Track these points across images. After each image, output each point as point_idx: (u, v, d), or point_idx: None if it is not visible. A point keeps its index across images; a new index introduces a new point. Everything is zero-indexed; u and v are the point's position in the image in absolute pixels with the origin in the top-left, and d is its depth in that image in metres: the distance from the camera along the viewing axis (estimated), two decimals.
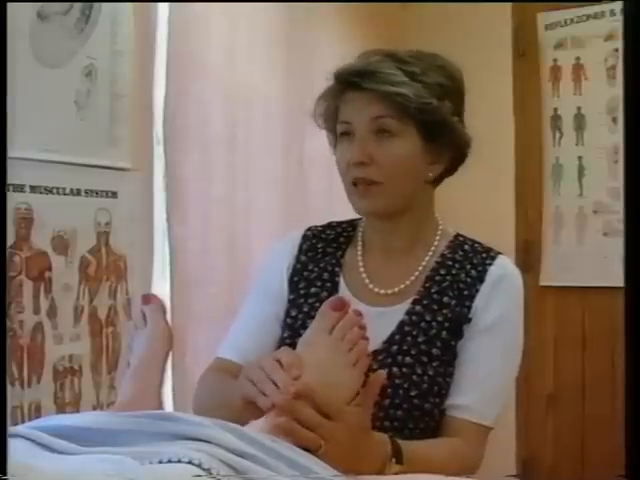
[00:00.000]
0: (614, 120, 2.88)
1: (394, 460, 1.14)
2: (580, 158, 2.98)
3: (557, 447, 3.00)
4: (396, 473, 1.12)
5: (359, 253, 1.40)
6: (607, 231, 2.90)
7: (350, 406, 1.09)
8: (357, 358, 1.13)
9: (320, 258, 1.41)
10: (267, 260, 1.49)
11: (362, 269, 1.38)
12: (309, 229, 1.47)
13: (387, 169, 1.29)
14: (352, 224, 1.46)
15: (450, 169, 1.38)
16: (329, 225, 1.48)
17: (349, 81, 1.31)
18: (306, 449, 1.00)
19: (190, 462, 0.84)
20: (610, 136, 2.89)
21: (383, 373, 1.14)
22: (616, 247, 2.69)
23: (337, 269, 1.40)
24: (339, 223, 1.48)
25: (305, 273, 1.41)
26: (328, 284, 1.38)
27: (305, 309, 1.37)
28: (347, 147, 1.32)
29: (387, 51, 1.33)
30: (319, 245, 1.43)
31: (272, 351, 1.37)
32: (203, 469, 0.84)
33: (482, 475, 1.29)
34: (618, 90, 2.78)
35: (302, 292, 1.39)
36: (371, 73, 1.28)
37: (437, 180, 1.39)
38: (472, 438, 1.29)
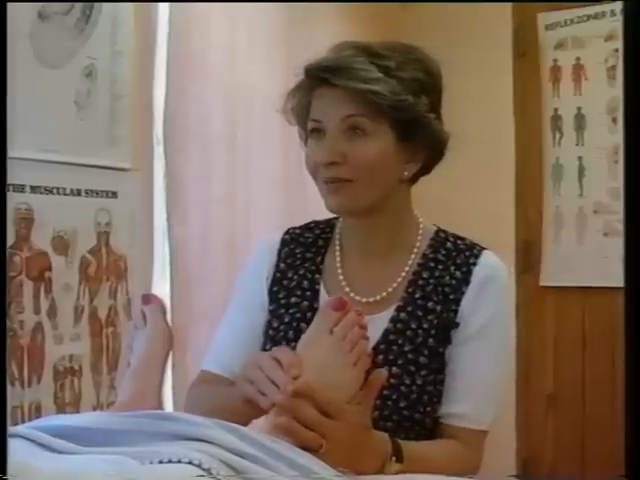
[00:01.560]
0: (614, 120, 2.88)
1: (394, 459, 1.13)
2: (580, 158, 2.98)
3: (557, 447, 3.00)
4: (396, 472, 1.12)
5: (337, 258, 1.36)
6: (607, 231, 2.90)
7: (350, 405, 1.09)
8: (358, 358, 1.12)
9: (299, 265, 1.37)
10: (246, 270, 1.45)
11: (341, 276, 1.34)
12: (287, 232, 1.43)
13: (359, 168, 1.23)
14: (330, 224, 1.42)
15: (426, 167, 1.32)
16: (307, 227, 1.43)
17: (320, 77, 1.25)
18: (307, 448, 1.00)
19: (190, 462, 0.84)
20: (610, 136, 2.89)
21: (384, 372, 1.13)
22: (616, 247, 2.69)
23: (317, 276, 1.35)
24: (317, 224, 1.43)
25: (285, 282, 1.36)
26: (308, 293, 1.34)
27: (286, 320, 1.33)
28: (317, 145, 1.26)
29: (361, 44, 1.26)
30: (298, 250, 1.39)
31: None
32: (203, 469, 0.84)
33: (482, 475, 1.29)
34: (618, 90, 2.78)
35: (282, 302, 1.35)
36: (343, 69, 1.22)
37: (413, 178, 1.33)
38: (470, 444, 1.27)
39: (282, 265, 1.38)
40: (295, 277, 1.36)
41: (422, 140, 1.27)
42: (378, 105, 1.21)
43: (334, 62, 1.24)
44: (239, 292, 1.45)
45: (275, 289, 1.37)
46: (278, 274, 1.38)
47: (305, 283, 1.35)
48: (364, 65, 1.22)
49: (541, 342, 3.00)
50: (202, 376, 1.41)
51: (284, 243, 1.41)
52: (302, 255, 1.38)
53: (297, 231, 1.43)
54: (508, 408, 2.92)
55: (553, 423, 3.02)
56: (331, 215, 1.39)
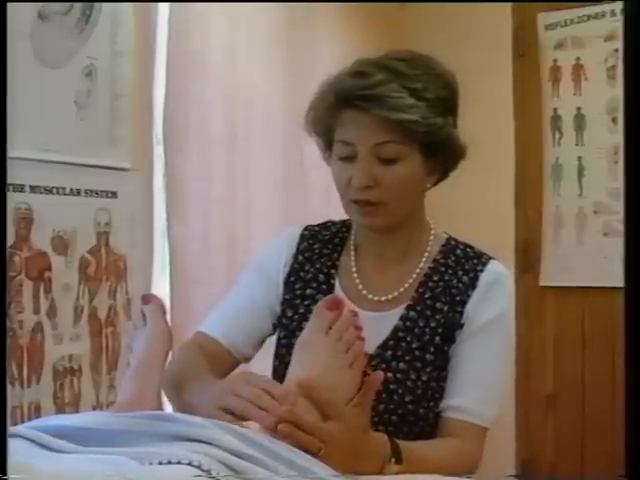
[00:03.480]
0: (614, 120, 2.87)
1: (393, 460, 1.14)
2: (580, 158, 2.98)
3: (557, 447, 3.00)
4: (396, 473, 1.12)
5: (352, 258, 1.40)
6: (607, 231, 2.90)
7: (349, 406, 1.09)
8: (354, 358, 1.13)
9: (316, 259, 1.41)
10: (265, 253, 1.48)
11: (355, 275, 1.38)
12: (306, 228, 1.47)
13: (391, 190, 1.28)
14: (346, 224, 1.46)
15: (442, 175, 1.37)
16: (325, 225, 1.47)
17: (354, 104, 1.26)
18: (306, 452, 1.00)
19: (190, 463, 0.84)
20: (610, 136, 2.89)
21: (381, 373, 1.15)
22: (616, 247, 2.69)
23: (333, 271, 1.39)
24: (334, 223, 1.47)
25: (301, 274, 1.40)
26: (324, 286, 1.38)
27: (301, 310, 1.37)
28: (348, 167, 1.29)
29: (386, 65, 1.26)
30: (315, 246, 1.43)
31: (257, 338, 1.40)
32: (203, 470, 0.84)
33: (482, 475, 1.29)
34: (618, 90, 2.78)
35: (298, 293, 1.39)
36: (379, 98, 1.23)
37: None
38: (469, 439, 1.29)
39: (300, 257, 1.42)
40: (312, 270, 1.40)
41: (445, 155, 1.32)
42: (412, 132, 1.24)
43: (368, 90, 1.24)
44: (256, 268, 1.46)
45: (292, 279, 1.40)
46: (296, 265, 1.42)
47: (321, 277, 1.39)
48: (397, 92, 1.23)
49: (541, 342, 3.00)
50: (197, 338, 1.41)
51: (303, 238, 1.45)
52: (319, 251, 1.42)
53: (315, 228, 1.47)
54: (508, 408, 2.91)
55: (553, 423, 3.02)
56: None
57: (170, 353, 1.36)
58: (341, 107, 1.28)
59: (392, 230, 1.35)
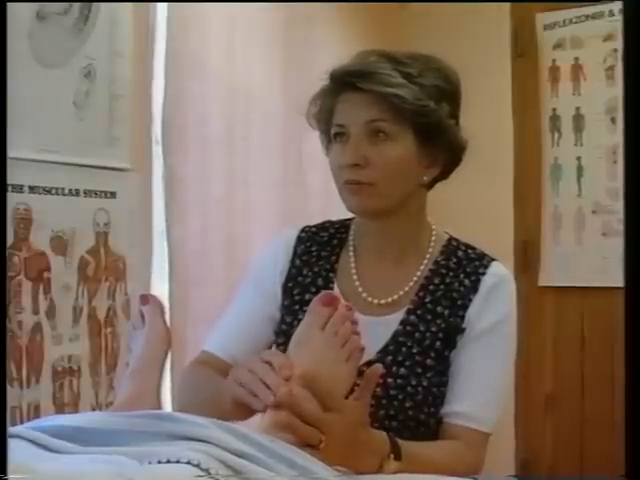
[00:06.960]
0: (613, 120, 2.87)
1: (392, 456, 1.13)
2: (579, 158, 2.98)
3: (556, 447, 2.99)
4: (395, 470, 1.12)
5: (352, 260, 1.38)
6: (606, 231, 2.90)
7: (349, 400, 1.09)
8: (350, 353, 1.13)
9: (314, 262, 1.40)
10: (261, 260, 1.47)
11: (355, 277, 1.37)
12: (303, 230, 1.45)
13: (381, 171, 1.27)
14: (345, 224, 1.44)
15: (444, 173, 1.36)
16: (323, 226, 1.46)
17: (345, 81, 1.29)
18: (306, 444, 1.01)
19: (189, 462, 0.84)
20: (609, 136, 2.88)
21: (380, 366, 1.15)
22: (615, 247, 2.69)
23: (331, 275, 1.38)
24: (332, 224, 1.46)
25: (299, 278, 1.39)
26: (322, 291, 1.35)
27: (300, 316, 1.33)
28: (341, 149, 1.30)
29: (383, 52, 1.31)
30: (313, 248, 1.41)
31: (261, 349, 1.37)
32: (202, 469, 0.84)
33: (481, 475, 1.29)
34: (617, 90, 2.78)
35: (297, 298, 1.38)
36: (368, 74, 1.26)
37: (430, 184, 1.37)
38: (471, 444, 1.28)
39: (298, 262, 1.41)
40: (310, 274, 1.39)
41: (442, 146, 1.31)
42: (401, 109, 1.25)
43: (360, 67, 1.28)
44: (251, 282, 1.46)
45: (290, 285, 1.39)
46: (293, 270, 1.40)
47: (319, 281, 1.38)
48: (388, 70, 1.26)
49: (540, 342, 3.00)
50: (203, 357, 1.41)
51: (300, 240, 1.43)
52: (317, 253, 1.41)
53: (313, 229, 1.45)
54: (507, 408, 2.91)
55: (552, 423, 3.02)
56: (341, 216, 1.42)
57: (169, 354, 1.36)
58: (337, 90, 1.31)
59: (384, 217, 1.33)
